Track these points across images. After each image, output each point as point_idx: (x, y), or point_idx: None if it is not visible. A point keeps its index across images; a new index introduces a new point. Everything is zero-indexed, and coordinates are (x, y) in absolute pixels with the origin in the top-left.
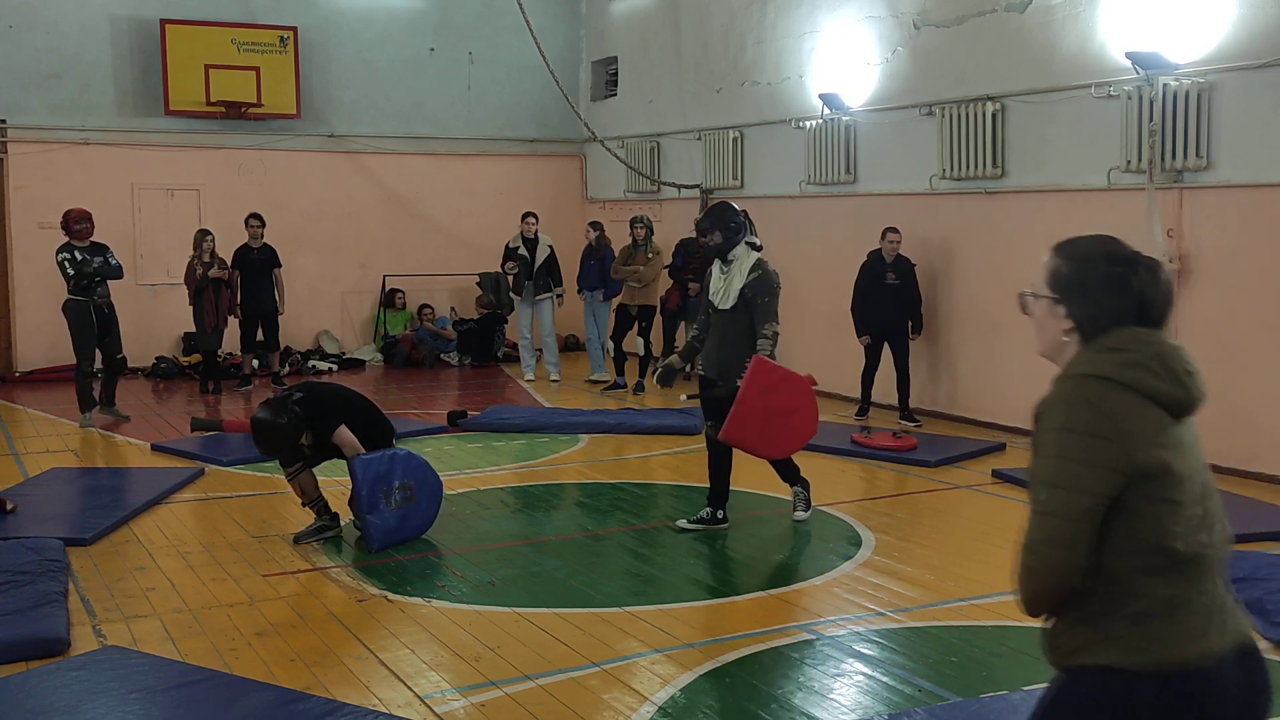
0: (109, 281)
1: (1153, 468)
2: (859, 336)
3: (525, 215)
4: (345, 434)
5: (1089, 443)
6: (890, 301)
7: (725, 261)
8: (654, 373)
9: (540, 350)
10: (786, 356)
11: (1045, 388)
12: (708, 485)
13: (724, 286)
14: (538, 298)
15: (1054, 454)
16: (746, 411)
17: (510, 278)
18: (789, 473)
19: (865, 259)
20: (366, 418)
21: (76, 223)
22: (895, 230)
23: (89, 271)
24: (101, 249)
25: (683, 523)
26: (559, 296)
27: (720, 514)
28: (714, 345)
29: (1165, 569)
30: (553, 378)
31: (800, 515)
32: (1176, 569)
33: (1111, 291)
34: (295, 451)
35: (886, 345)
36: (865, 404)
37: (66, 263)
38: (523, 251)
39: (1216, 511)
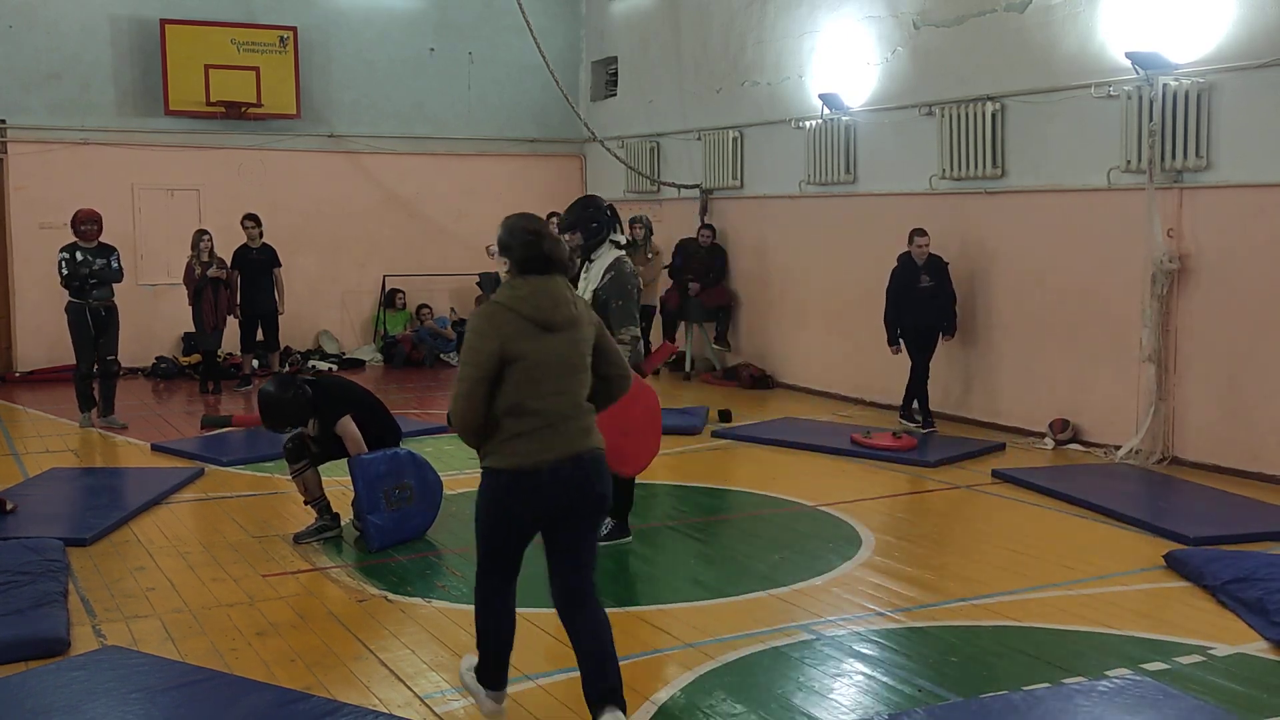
0: (113, 285)
1: (515, 356)
2: (890, 346)
3: (550, 215)
4: (349, 426)
5: (479, 340)
6: (926, 305)
7: (589, 261)
8: None
9: None
10: (788, 356)
11: (1044, 388)
12: (707, 485)
13: (582, 286)
14: None
15: (465, 346)
16: (603, 422)
17: None
18: (620, 502)
19: (896, 263)
20: (373, 415)
21: (83, 223)
22: (923, 233)
23: (84, 273)
24: (107, 251)
25: None
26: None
27: (619, 525)
28: None
29: (521, 415)
30: None
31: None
32: (529, 415)
33: (527, 250)
34: (301, 439)
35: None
36: (927, 416)
37: (63, 263)
38: None
39: (568, 385)
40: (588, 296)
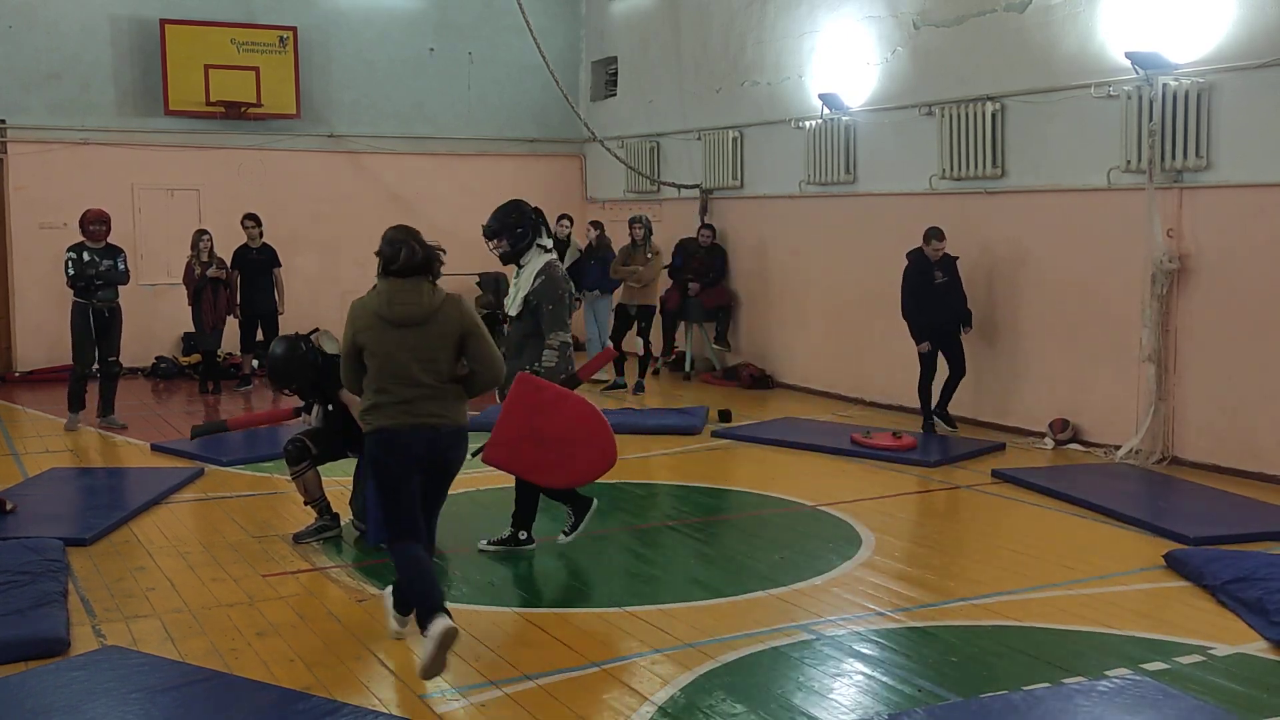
0: (118, 287)
1: (365, 345)
2: (919, 344)
3: (561, 217)
4: (353, 395)
5: (348, 327)
6: (940, 301)
7: (518, 266)
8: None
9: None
10: (788, 356)
11: (1044, 388)
12: (707, 485)
13: (513, 292)
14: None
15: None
16: (510, 433)
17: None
18: (566, 498)
19: (907, 261)
20: None
21: (92, 224)
22: (941, 236)
23: (90, 274)
24: (115, 252)
25: (484, 543)
26: (578, 300)
27: (524, 535)
28: (507, 353)
29: (380, 390)
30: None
31: (563, 538)
32: (385, 392)
33: (391, 256)
34: (303, 441)
35: (941, 351)
36: (929, 417)
37: (70, 262)
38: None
39: (418, 371)
40: (519, 301)
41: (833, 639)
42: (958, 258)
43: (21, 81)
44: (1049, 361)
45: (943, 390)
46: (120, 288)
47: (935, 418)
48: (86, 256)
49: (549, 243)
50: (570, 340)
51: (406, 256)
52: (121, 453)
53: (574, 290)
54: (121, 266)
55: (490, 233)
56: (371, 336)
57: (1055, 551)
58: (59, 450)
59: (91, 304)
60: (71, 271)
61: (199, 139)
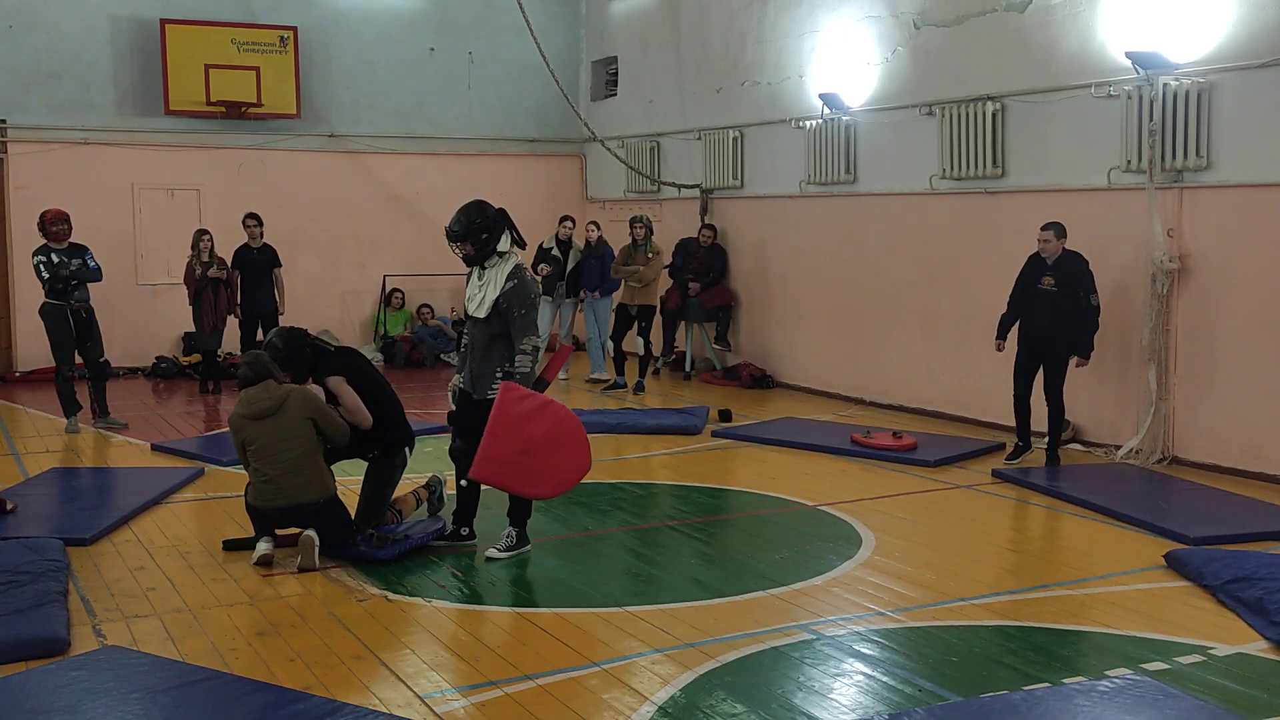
0: (89, 285)
1: (244, 440)
2: (996, 339)
3: (563, 219)
4: (343, 386)
5: (230, 432)
6: (1042, 311)
7: (481, 268)
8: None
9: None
10: (789, 356)
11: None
12: (707, 485)
13: (480, 295)
14: (567, 299)
15: None
16: (503, 448)
17: (541, 279)
18: (518, 510)
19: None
20: (375, 397)
21: (53, 224)
22: (1048, 226)
23: (64, 274)
24: (80, 250)
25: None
26: (580, 300)
27: (465, 530)
28: (469, 355)
29: (258, 472)
30: (593, 374)
31: (494, 552)
32: (260, 472)
33: (243, 376)
34: (300, 377)
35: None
36: (1022, 444)
37: (42, 265)
38: (556, 253)
39: (282, 453)
40: (488, 303)
41: (833, 639)
42: (1086, 264)
43: (22, 81)
44: None
45: (1048, 425)
46: (118, 286)
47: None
48: (55, 258)
49: (505, 245)
50: (540, 344)
51: (246, 373)
52: (121, 453)
53: (540, 292)
54: (92, 264)
55: (454, 236)
56: (248, 434)
57: (1055, 551)
58: (59, 450)
59: (69, 305)
60: (46, 275)
61: (199, 139)
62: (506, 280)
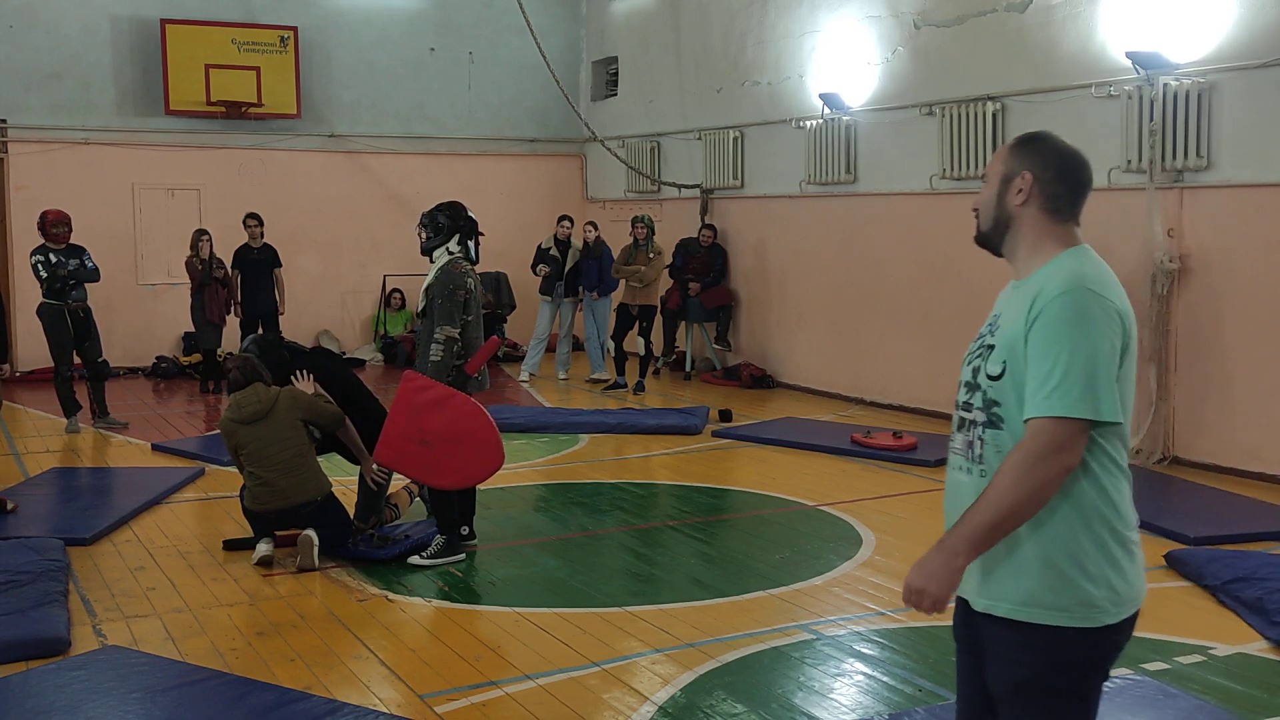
0: (87, 285)
1: (236, 445)
2: None
3: (561, 219)
4: (309, 385)
5: (222, 439)
6: None
7: (431, 262)
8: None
9: (550, 351)
10: (789, 356)
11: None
12: (707, 485)
13: (422, 289)
14: (566, 299)
15: None
16: (396, 433)
17: (540, 279)
18: (441, 516)
19: None
20: (351, 400)
21: (53, 225)
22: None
23: (62, 275)
24: (78, 251)
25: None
26: (579, 300)
27: (465, 530)
28: (419, 350)
29: (252, 475)
30: (593, 374)
31: (419, 559)
32: (255, 476)
33: (231, 380)
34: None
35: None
36: None
37: (40, 265)
38: (555, 253)
39: (276, 455)
40: (421, 295)
41: (833, 639)
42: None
43: (22, 81)
44: None
45: None
46: (117, 286)
47: None
48: (54, 258)
49: (457, 247)
50: (455, 336)
51: (234, 377)
52: (121, 453)
53: (472, 288)
54: (90, 264)
55: (420, 223)
56: (240, 438)
57: None
58: (59, 450)
59: (66, 305)
60: (44, 275)
61: (199, 139)
62: (437, 272)
